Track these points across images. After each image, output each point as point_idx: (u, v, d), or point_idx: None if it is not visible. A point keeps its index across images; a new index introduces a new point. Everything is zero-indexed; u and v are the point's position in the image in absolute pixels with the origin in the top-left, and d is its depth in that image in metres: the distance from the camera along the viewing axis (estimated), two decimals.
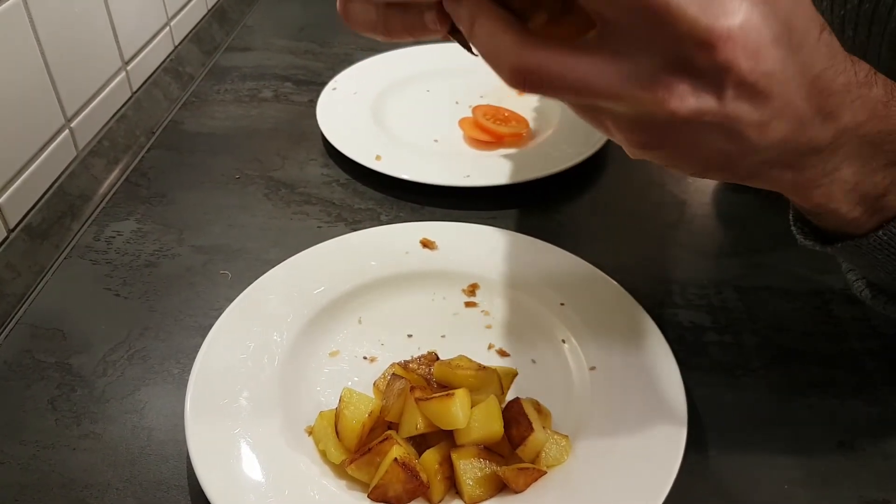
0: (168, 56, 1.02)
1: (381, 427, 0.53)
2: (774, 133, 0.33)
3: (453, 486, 0.50)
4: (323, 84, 0.95)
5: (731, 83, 0.30)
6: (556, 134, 0.87)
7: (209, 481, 0.48)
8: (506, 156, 0.85)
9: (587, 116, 0.35)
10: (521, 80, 0.32)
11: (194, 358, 0.56)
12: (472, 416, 0.50)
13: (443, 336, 0.62)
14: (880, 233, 0.40)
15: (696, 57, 0.29)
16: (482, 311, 0.64)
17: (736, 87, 0.31)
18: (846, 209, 0.40)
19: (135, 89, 0.94)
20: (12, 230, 0.71)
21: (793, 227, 0.47)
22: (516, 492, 0.49)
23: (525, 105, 0.93)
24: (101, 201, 0.79)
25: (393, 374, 0.55)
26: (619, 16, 0.30)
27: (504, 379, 0.55)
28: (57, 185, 0.77)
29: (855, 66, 0.35)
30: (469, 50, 0.35)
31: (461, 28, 0.34)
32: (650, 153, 0.34)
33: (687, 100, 0.31)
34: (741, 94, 0.31)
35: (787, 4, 0.31)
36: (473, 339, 0.61)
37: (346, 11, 0.36)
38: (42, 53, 0.74)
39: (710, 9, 0.29)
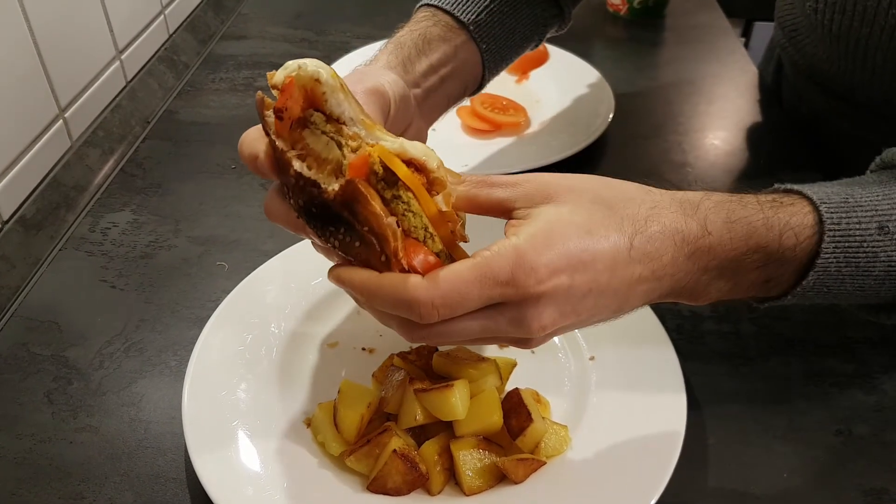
0: (163, 45, 1.01)
1: (380, 418, 0.52)
2: (606, 308, 0.43)
3: (452, 477, 0.50)
4: None
5: (561, 329, 0.42)
6: (554, 123, 0.87)
7: (207, 474, 0.48)
8: (504, 145, 0.84)
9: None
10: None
11: (191, 350, 0.56)
12: (472, 407, 0.50)
13: None
14: (788, 297, 0.46)
15: (536, 337, 0.42)
16: None
17: (565, 327, 0.42)
18: (739, 296, 0.47)
19: (129, 78, 0.93)
20: (6, 222, 0.70)
21: None
22: (516, 482, 0.49)
23: (523, 94, 0.93)
24: (96, 192, 0.79)
25: (392, 365, 0.55)
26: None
27: (503, 369, 0.55)
28: (51, 175, 0.76)
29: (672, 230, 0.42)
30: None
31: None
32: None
33: (544, 341, 0.43)
34: (566, 328, 0.43)
35: (597, 265, 0.40)
36: None
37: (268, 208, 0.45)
38: (35, 42, 0.73)
39: (525, 322, 0.40)
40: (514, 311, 0.40)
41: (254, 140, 0.44)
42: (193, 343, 0.57)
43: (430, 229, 0.41)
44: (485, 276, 0.38)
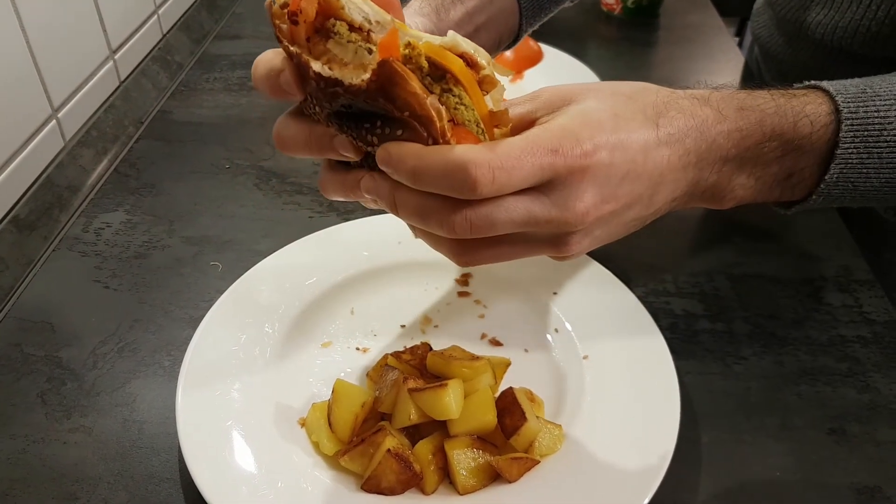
0: (156, 44, 1.01)
1: (374, 418, 0.52)
2: (637, 217, 0.43)
3: (447, 476, 0.50)
4: None
5: (599, 222, 0.41)
6: None
7: (201, 474, 0.48)
8: None
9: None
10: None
11: (185, 350, 0.56)
12: (466, 407, 0.50)
13: (436, 326, 0.62)
14: (814, 197, 0.45)
15: (574, 227, 0.40)
16: (475, 301, 0.64)
17: (602, 218, 0.41)
18: (763, 197, 0.46)
19: (123, 78, 0.93)
20: None
21: None
22: (510, 481, 0.49)
23: (518, 93, 0.92)
24: (90, 192, 0.79)
25: (386, 364, 0.55)
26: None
27: (497, 369, 0.55)
28: (44, 176, 0.76)
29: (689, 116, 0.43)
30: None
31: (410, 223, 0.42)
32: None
33: (581, 242, 0.42)
34: (603, 221, 0.42)
35: (632, 145, 0.40)
36: (466, 329, 0.61)
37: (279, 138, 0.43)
38: (28, 42, 0.73)
39: (569, 203, 0.39)
40: (558, 190, 0.39)
41: (269, 59, 0.41)
42: (187, 343, 0.57)
43: (482, 125, 0.39)
44: (535, 144, 0.38)
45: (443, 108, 0.37)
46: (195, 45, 1.07)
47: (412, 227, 0.43)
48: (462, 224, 0.39)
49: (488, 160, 0.37)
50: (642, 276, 0.66)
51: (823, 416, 0.56)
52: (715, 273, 0.68)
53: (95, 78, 0.86)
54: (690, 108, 0.43)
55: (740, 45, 1.62)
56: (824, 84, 0.45)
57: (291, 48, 0.38)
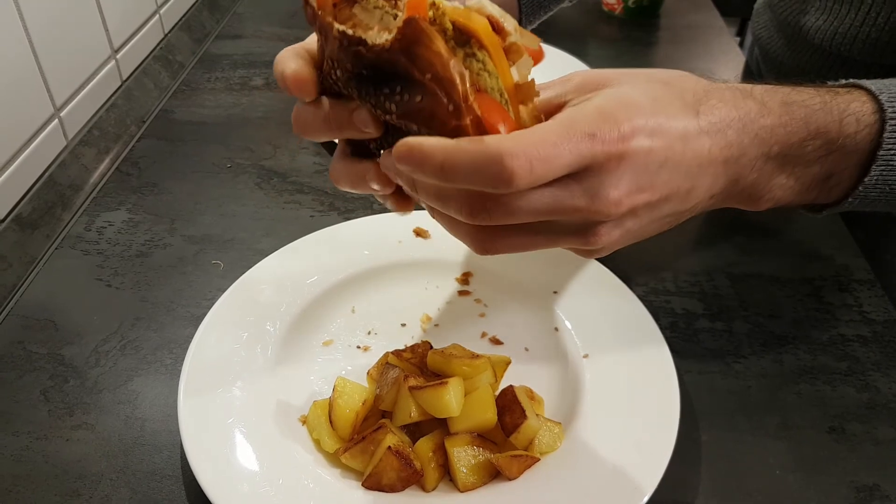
0: (158, 44, 1.01)
1: (375, 416, 0.53)
2: (673, 212, 0.40)
3: (447, 473, 0.50)
4: None
5: (632, 213, 0.39)
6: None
7: (203, 471, 0.48)
8: None
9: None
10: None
11: (187, 348, 0.56)
12: (466, 405, 0.50)
13: (436, 325, 0.62)
14: (850, 199, 0.44)
15: (606, 216, 0.38)
16: (475, 300, 0.64)
17: (637, 209, 0.38)
18: (801, 199, 0.44)
19: (125, 78, 0.93)
20: (2, 221, 0.70)
21: None
22: (510, 479, 0.49)
23: None
24: (92, 191, 0.79)
25: (387, 363, 0.55)
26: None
27: (497, 367, 0.55)
28: (47, 175, 0.77)
29: (734, 107, 0.40)
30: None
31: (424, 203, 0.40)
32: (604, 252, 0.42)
33: (611, 234, 0.39)
34: (637, 213, 0.39)
35: (671, 131, 0.38)
36: (467, 328, 0.62)
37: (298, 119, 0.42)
38: (30, 42, 0.73)
39: (602, 191, 0.37)
40: (592, 177, 0.36)
41: (291, 50, 0.40)
42: (189, 341, 0.57)
43: (506, 96, 0.37)
44: (572, 129, 0.35)
45: (466, 72, 0.35)
46: (197, 44, 1.07)
47: (429, 208, 0.41)
48: (484, 211, 0.36)
49: (525, 150, 0.34)
50: (642, 275, 0.67)
51: (823, 415, 0.56)
52: (715, 272, 0.68)
53: (97, 77, 0.87)
54: (733, 98, 0.40)
55: (741, 45, 1.62)
56: (865, 83, 0.44)
57: (318, 11, 0.37)
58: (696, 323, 0.63)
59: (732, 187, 0.41)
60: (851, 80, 0.45)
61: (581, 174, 0.36)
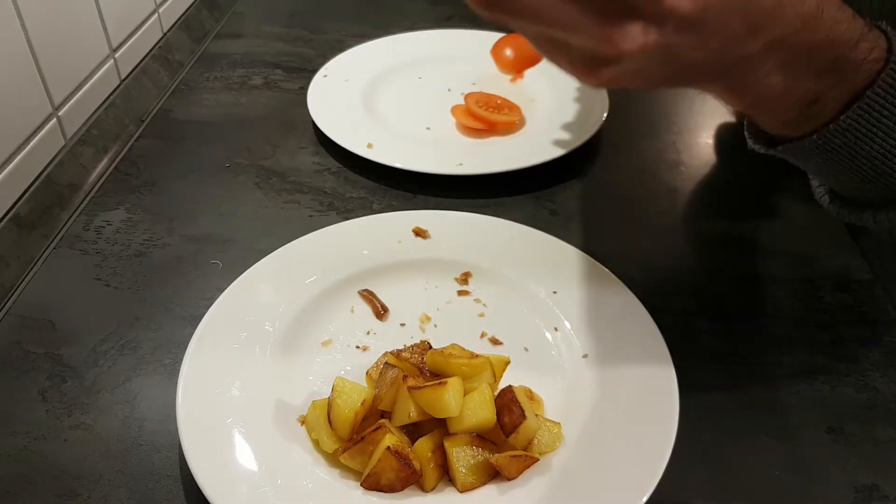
0: (157, 43, 1.01)
1: (374, 416, 0.53)
2: (708, 51, 0.37)
3: (446, 473, 0.50)
4: (314, 71, 0.94)
5: (674, 21, 0.35)
6: (549, 122, 0.87)
7: (201, 471, 0.48)
8: (498, 144, 0.84)
9: (545, 49, 0.39)
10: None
11: (185, 348, 0.56)
12: (465, 405, 0.50)
13: (435, 325, 0.62)
14: (815, 136, 0.44)
15: (645, 5, 0.34)
16: (475, 300, 0.64)
17: (678, 24, 0.35)
18: (780, 110, 0.43)
19: (123, 77, 0.93)
20: (0, 220, 0.70)
21: (745, 132, 0.51)
22: (509, 479, 0.49)
23: (518, 93, 0.93)
24: (91, 191, 0.79)
25: (385, 362, 0.55)
26: None
27: (496, 367, 0.55)
28: (45, 174, 0.76)
29: None
30: None
31: None
32: (602, 84, 0.39)
33: (636, 39, 0.35)
34: (682, 28, 0.35)
35: None
36: (466, 328, 0.61)
37: None
38: (28, 41, 0.73)
39: None
40: None
41: None
42: (187, 341, 0.57)
43: None
44: None
45: None
46: (196, 43, 1.07)
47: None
48: None
49: None
50: (642, 275, 0.67)
51: (822, 416, 0.56)
52: (714, 272, 0.68)
53: (96, 76, 0.87)
54: None
55: None
56: (884, 25, 0.42)
57: None
58: (696, 323, 0.63)
59: (738, 49, 0.39)
60: (871, 21, 0.43)
61: None
